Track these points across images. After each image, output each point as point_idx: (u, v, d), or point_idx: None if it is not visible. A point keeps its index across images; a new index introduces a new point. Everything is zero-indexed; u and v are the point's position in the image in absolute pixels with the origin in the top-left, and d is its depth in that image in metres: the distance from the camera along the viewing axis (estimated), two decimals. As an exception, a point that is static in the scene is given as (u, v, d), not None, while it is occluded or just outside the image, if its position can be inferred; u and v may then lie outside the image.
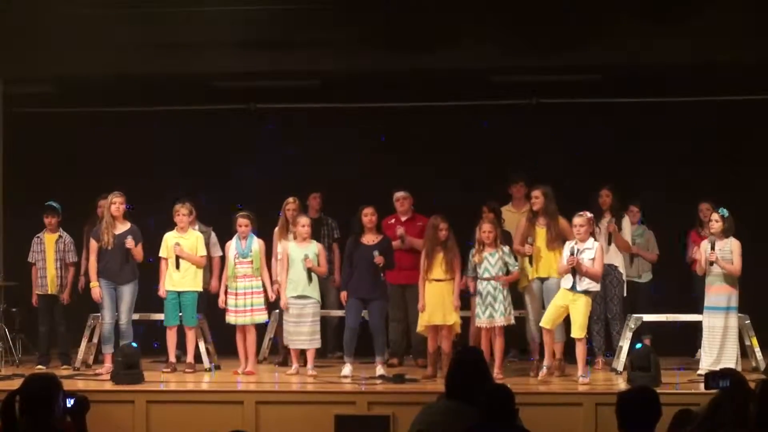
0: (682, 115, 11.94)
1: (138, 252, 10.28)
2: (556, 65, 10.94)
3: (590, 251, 9.45)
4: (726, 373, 4.92)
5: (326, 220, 11.35)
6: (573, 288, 9.39)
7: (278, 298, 10.25)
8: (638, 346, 9.48)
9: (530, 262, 9.93)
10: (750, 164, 11.75)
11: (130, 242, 10.16)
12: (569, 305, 9.41)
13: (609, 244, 10.39)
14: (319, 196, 11.47)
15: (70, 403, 5.04)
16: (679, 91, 11.59)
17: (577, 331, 9.38)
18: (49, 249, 10.72)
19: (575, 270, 9.37)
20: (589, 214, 9.67)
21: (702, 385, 6.85)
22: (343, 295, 10.03)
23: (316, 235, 10.61)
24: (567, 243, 9.59)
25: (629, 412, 4.91)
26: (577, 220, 9.54)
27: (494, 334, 9.66)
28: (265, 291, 10.18)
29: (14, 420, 4.83)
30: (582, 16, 10.47)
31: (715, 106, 11.68)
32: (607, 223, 10.41)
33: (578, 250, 9.42)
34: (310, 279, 9.99)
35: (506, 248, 9.80)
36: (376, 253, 9.81)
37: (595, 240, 9.66)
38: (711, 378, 4.92)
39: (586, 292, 9.38)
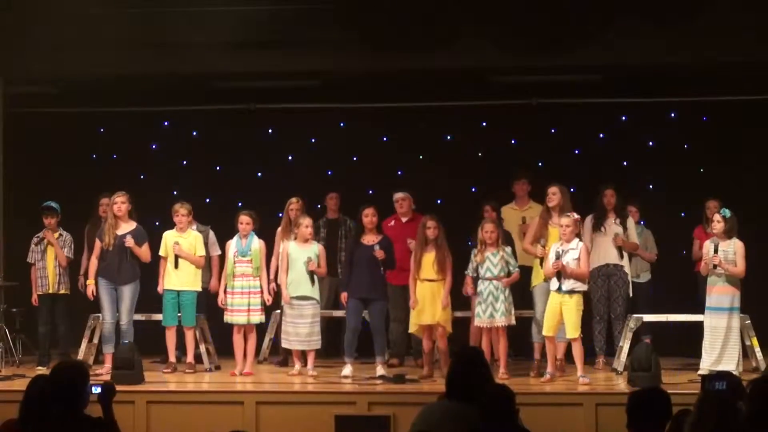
0: (682, 115, 11.94)
1: (143, 252, 10.23)
2: (556, 65, 10.94)
3: (575, 251, 9.43)
4: (723, 375, 4.92)
5: (344, 220, 11.34)
6: (559, 290, 9.39)
7: (277, 297, 10.25)
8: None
9: (540, 264, 9.90)
10: (750, 164, 11.74)
11: (129, 241, 10.13)
12: (561, 307, 9.41)
13: (621, 255, 10.36)
14: (336, 196, 11.46)
15: (96, 390, 5.25)
16: (679, 91, 11.59)
17: (572, 331, 9.37)
18: (48, 248, 10.71)
19: (560, 273, 9.36)
20: (575, 215, 9.68)
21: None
22: (344, 295, 10.04)
23: (333, 235, 10.60)
24: (553, 245, 9.59)
25: (639, 412, 4.92)
26: (563, 220, 9.53)
27: (496, 334, 9.66)
28: (262, 292, 10.18)
29: (43, 407, 5.04)
30: (582, 16, 10.46)
31: (715, 106, 11.68)
32: (614, 235, 10.37)
33: (563, 251, 9.41)
34: (312, 281, 10.00)
35: (508, 249, 9.80)
36: (376, 247, 9.81)
37: (580, 240, 9.64)
38: (708, 380, 4.92)
39: (572, 292, 9.37)
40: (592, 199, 10.57)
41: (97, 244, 10.26)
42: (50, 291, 10.71)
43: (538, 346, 10.02)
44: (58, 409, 5.07)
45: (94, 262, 10.24)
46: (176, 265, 10.28)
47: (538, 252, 9.82)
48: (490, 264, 9.68)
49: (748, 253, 9.46)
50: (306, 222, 10.10)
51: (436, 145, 12.28)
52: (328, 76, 11.52)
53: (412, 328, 9.95)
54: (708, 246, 9.51)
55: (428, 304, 9.73)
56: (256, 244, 10.19)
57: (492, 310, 9.63)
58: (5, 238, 11.52)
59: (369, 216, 9.99)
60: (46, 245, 10.71)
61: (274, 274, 10.43)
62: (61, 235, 10.76)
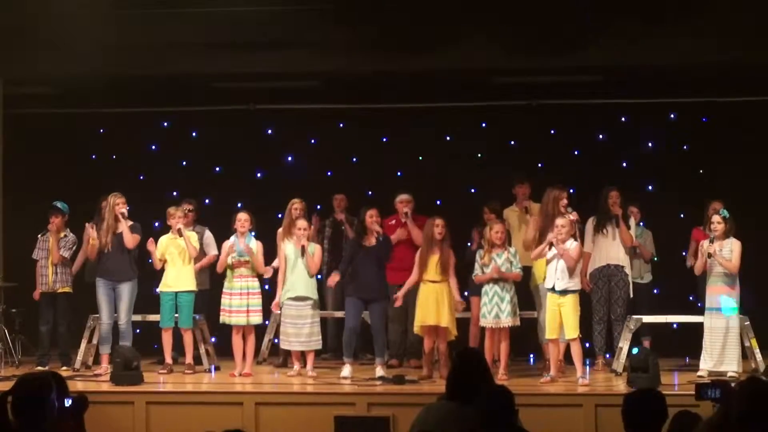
0: (682, 115, 11.94)
1: (129, 237, 10.24)
2: (556, 66, 10.93)
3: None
4: (717, 384, 4.91)
5: (352, 221, 11.31)
6: (553, 289, 9.39)
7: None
8: (635, 351, 9.39)
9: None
10: (750, 165, 11.73)
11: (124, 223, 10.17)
12: (560, 309, 9.41)
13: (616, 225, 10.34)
14: (343, 198, 11.43)
15: (68, 402, 4.91)
16: (679, 91, 11.58)
17: (571, 331, 9.36)
18: (52, 248, 10.70)
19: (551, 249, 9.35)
20: (571, 217, 9.68)
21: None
22: (332, 278, 10.06)
23: (338, 235, 10.84)
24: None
25: (635, 414, 4.91)
26: (559, 221, 9.52)
27: (500, 335, 9.65)
28: (261, 292, 10.17)
29: (7, 421, 4.71)
30: (582, 16, 10.46)
31: (715, 107, 11.67)
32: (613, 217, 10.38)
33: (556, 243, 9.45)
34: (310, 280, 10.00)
35: (512, 249, 9.80)
36: (380, 238, 9.86)
37: (575, 240, 9.64)
38: (702, 389, 4.90)
39: (566, 292, 9.37)
40: (592, 200, 10.55)
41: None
42: (50, 289, 10.71)
43: (547, 347, 10.00)
44: (20, 424, 4.65)
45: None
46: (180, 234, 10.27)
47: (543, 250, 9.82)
48: (495, 264, 9.66)
49: (749, 253, 9.46)
50: (300, 224, 10.06)
51: (436, 146, 12.27)
52: (328, 76, 11.52)
53: (416, 329, 9.93)
54: (706, 243, 9.53)
55: (432, 305, 9.72)
56: (254, 244, 10.18)
57: (498, 311, 9.62)
58: (5, 238, 11.52)
59: (371, 217, 9.97)
60: (49, 243, 10.71)
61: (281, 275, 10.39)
62: (66, 235, 10.75)
